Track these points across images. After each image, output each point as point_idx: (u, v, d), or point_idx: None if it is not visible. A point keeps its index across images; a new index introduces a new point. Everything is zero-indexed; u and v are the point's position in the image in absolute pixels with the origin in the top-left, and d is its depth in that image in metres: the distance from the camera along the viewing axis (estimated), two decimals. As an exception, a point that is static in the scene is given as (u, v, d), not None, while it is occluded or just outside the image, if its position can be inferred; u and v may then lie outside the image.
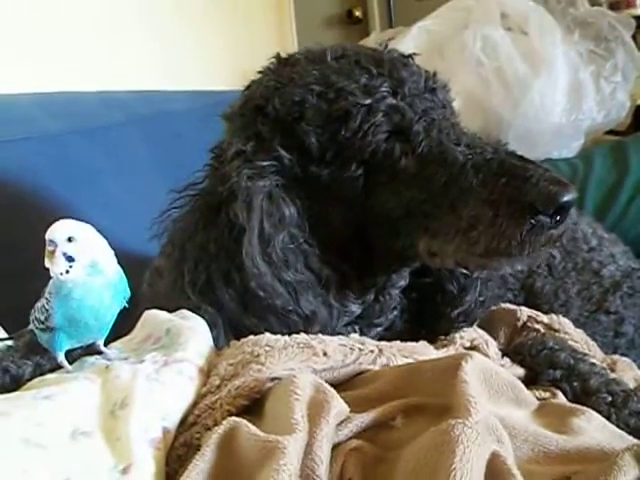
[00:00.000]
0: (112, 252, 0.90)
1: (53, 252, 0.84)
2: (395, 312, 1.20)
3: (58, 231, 0.85)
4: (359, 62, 1.08)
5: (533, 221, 0.96)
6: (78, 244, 0.85)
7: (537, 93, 2.23)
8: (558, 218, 0.97)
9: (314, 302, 1.06)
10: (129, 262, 0.97)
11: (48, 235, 0.84)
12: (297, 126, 1.06)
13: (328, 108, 1.05)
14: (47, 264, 0.86)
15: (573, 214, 1.55)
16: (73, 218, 0.88)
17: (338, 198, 1.07)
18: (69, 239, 0.84)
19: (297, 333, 0.94)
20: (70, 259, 0.85)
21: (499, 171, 0.99)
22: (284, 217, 1.05)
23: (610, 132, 2.46)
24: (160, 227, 1.13)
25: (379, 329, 1.18)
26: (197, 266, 1.07)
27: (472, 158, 1.01)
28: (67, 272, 0.85)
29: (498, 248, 0.99)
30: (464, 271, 1.19)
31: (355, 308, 1.15)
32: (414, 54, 1.16)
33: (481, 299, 1.23)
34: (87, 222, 0.89)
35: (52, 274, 0.86)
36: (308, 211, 1.08)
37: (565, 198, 0.96)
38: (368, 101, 1.03)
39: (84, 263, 0.86)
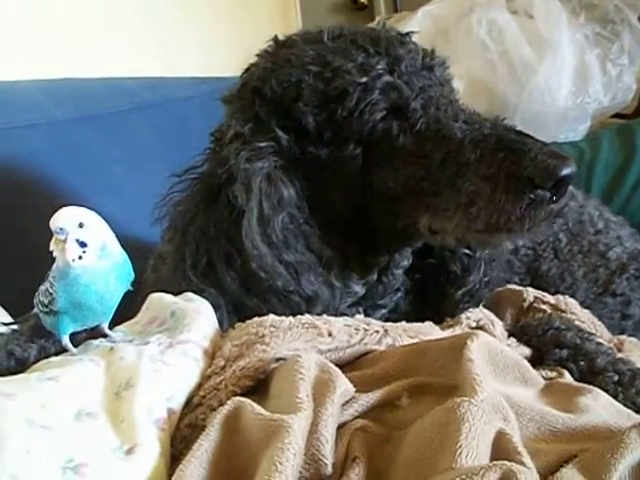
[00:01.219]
0: (114, 235, 0.90)
1: (64, 240, 0.84)
2: (399, 293, 1.19)
3: (68, 218, 0.84)
4: (355, 41, 1.07)
5: (532, 195, 0.96)
6: (88, 229, 0.85)
7: (543, 76, 2.21)
8: (558, 192, 0.96)
9: (315, 282, 1.06)
10: (136, 248, 0.97)
11: (56, 223, 0.83)
12: (294, 106, 1.06)
13: (325, 87, 1.04)
14: (55, 252, 0.85)
15: (579, 197, 1.56)
16: (78, 204, 0.88)
17: (337, 178, 1.07)
18: (80, 225, 0.84)
19: (300, 314, 0.94)
20: (83, 244, 0.84)
21: (497, 146, 0.98)
22: (283, 198, 1.05)
23: (616, 115, 2.45)
24: (161, 211, 1.13)
25: (384, 310, 1.17)
26: (198, 249, 1.07)
27: (470, 134, 1.01)
28: (80, 258, 0.84)
29: (498, 223, 0.98)
30: (467, 251, 1.19)
31: (358, 289, 1.15)
32: (412, 32, 1.16)
33: (486, 279, 1.22)
34: (93, 209, 0.88)
35: (61, 262, 0.85)
36: (307, 192, 1.08)
37: (564, 172, 0.94)
38: (364, 79, 1.02)
39: (96, 247, 0.86)
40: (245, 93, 1.12)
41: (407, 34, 1.14)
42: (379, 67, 1.04)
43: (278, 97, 1.07)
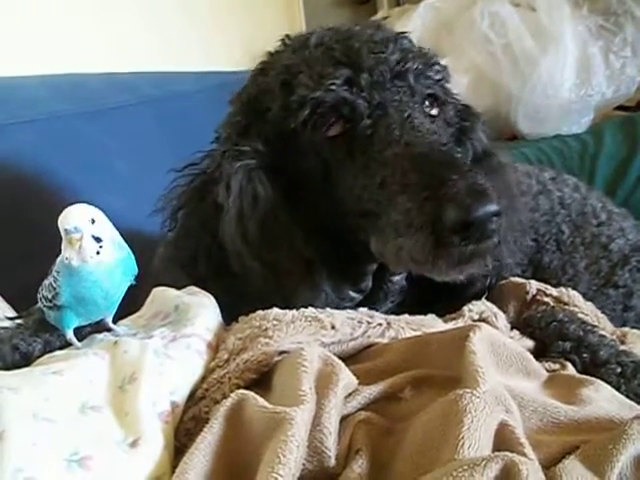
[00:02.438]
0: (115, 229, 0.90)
1: (80, 238, 0.83)
2: (402, 294, 1.18)
3: (80, 216, 0.83)
4: (331, 49, 1.05)
5: (440, 238, 0.88)
6: (100, 224, 0.85)
7: (546, 69, 2.21)
8: (471, 235, 0.88)
9: (295, 282, 1.04)
10: (140, 242, 0.98)
11: (69, 223, 0.82)
12: (266, 115, 1.07)
13: (286, 99, 1.04)
14: (69, 253, 0.84)
15: (582, 188, 1.56)
16: (80, 200, 0.87)
17: (305, 189, 1.06)
18: (92, 221, 0.84)
19: None
20: (98, 240, 0.84)
21: (421, 177, 0.91)
22: (261, 197, 1.04)
23: (620, 107, 2.45)
24: (162, 204, 1.14)
25: (390, 305, 1.16)
26: (186, 243, 1.09)
27: (401, 161, 0.95)
28: (98, 253, 0.84)
29: (416, 260, 0.93)
30: None
31: (353, 294, 1.13)
32: (406, 32, 1.13)
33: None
34: (96, 204, 0.88)
35: (78, 260, 0.84)
36: (288, 193, 1.07)
37: (476, 214, 0.85)
38: (317, 94, 1.01)
39: (110, 240, 0.86)
40: (239, 96, 1.14)
41: (400, 35, 1.11)
42: (338, 81, 1.01)
43: (257, 105, 1.09)
